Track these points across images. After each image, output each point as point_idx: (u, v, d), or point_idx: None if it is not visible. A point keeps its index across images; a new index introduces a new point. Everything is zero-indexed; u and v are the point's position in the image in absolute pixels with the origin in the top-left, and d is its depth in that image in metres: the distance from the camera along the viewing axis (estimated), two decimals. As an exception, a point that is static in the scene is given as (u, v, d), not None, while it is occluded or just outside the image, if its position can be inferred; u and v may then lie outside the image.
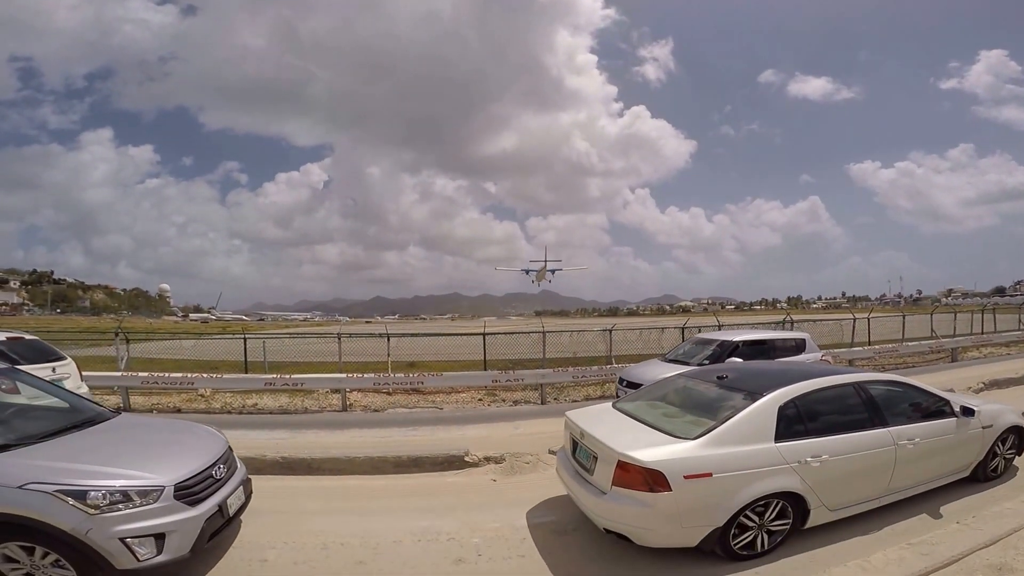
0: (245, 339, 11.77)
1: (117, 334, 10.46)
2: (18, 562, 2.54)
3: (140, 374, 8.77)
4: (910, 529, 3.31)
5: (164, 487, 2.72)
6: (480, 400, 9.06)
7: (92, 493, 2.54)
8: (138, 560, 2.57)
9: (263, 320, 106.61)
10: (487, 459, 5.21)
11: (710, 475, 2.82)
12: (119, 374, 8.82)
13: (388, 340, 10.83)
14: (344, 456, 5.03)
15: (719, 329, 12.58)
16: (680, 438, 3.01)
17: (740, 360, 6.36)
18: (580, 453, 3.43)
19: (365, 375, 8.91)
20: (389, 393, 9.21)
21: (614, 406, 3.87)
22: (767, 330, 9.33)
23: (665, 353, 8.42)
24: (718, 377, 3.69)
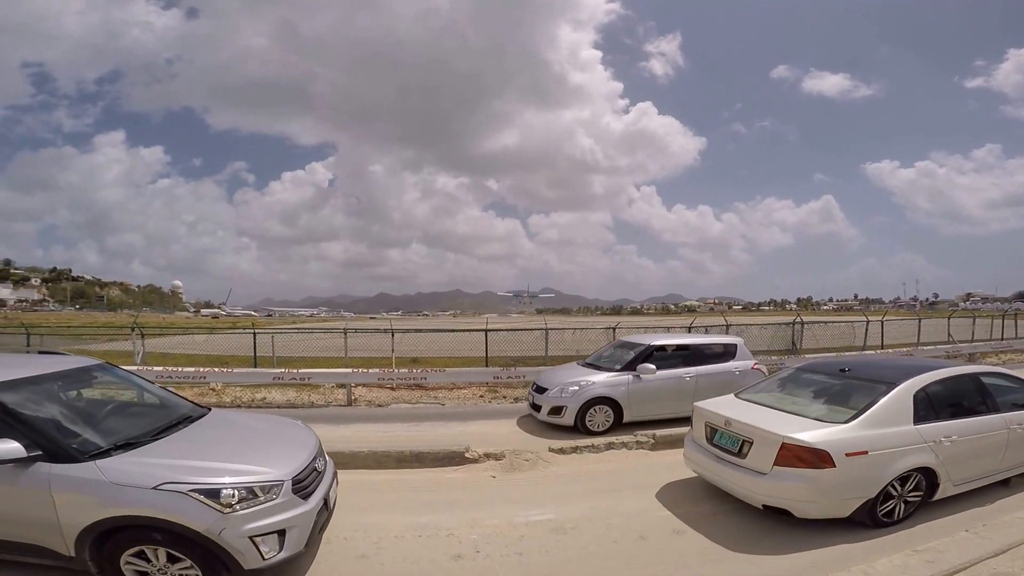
0: (255, 334, 11.95)
1: (133, 329, 10.70)
2: (145, 566, 2.45)
3: (155, 368, 8.94)
4: (914, 536, 3.25)
5: (283, 481, 2.66)
6: (481, 397, 9.07)
7: (224, 491, 2.45)
8: (263, 558, 2.49)
9: (271, 316, 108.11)
10: (487, 456, 5.23)
11: (866, 453, 3.26)
12: (136, 368, 9.02)
13: (392, 336, 10.92)
14: (348, 450, 5.08)
15: (727, 331, 12.49)
16: (830, 422, 3.43)
17: (653, 366, 6.02)
18: (722, 439, 3.80)
19: (370, 370, 8.99)
20: (393, 388, 9.29)
21: (738, 396, 4.34)
22: (697, 335, 8.29)
23: (585, 357, 7.70)
24: (840, 370, 4.13)
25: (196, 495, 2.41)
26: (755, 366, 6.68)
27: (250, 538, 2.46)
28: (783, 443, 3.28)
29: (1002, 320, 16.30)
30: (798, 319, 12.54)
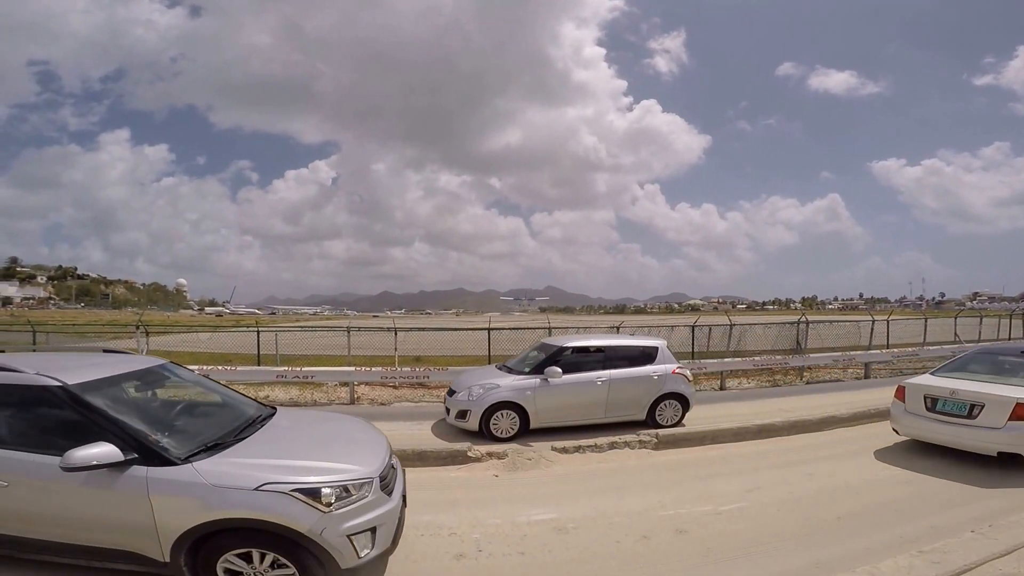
0: (258, 332, 12.01)
1: (138, 327, 10.78)
2: (243, 567, 2.38)
3: (157, 365, 9.02)
4: (920, 536, 3.23)
5: (373, 478, 2.62)
6: (485, 396, 9.09)
7: (324, 490, 2.41)
8: (358, 556, 2.45)
9: (274, 314, 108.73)
10: (490, 454, 5.23)
11: None
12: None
13: (395, 334, 10.94)
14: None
15: (731, 328, 12.42)
16: None
17: (559, 369, 5.79)
18: (947, 406, 4.81)
19: (373, 369, 9.03)
20: (395, 387, 9.32)
21: (934, 375, 5.39)
22: (617, 337, 7.58)
23: (507, 361, 7.38)
24: (1021, 352, 5.20)
25: (298, 495, 2.36)
26: (676, 370, 6.31)
27: (348, 536, 2.42)
28: (1017, 403, 4.35)
29: (1009, 320, 16.16)
30: (803, 318, 12.45)
